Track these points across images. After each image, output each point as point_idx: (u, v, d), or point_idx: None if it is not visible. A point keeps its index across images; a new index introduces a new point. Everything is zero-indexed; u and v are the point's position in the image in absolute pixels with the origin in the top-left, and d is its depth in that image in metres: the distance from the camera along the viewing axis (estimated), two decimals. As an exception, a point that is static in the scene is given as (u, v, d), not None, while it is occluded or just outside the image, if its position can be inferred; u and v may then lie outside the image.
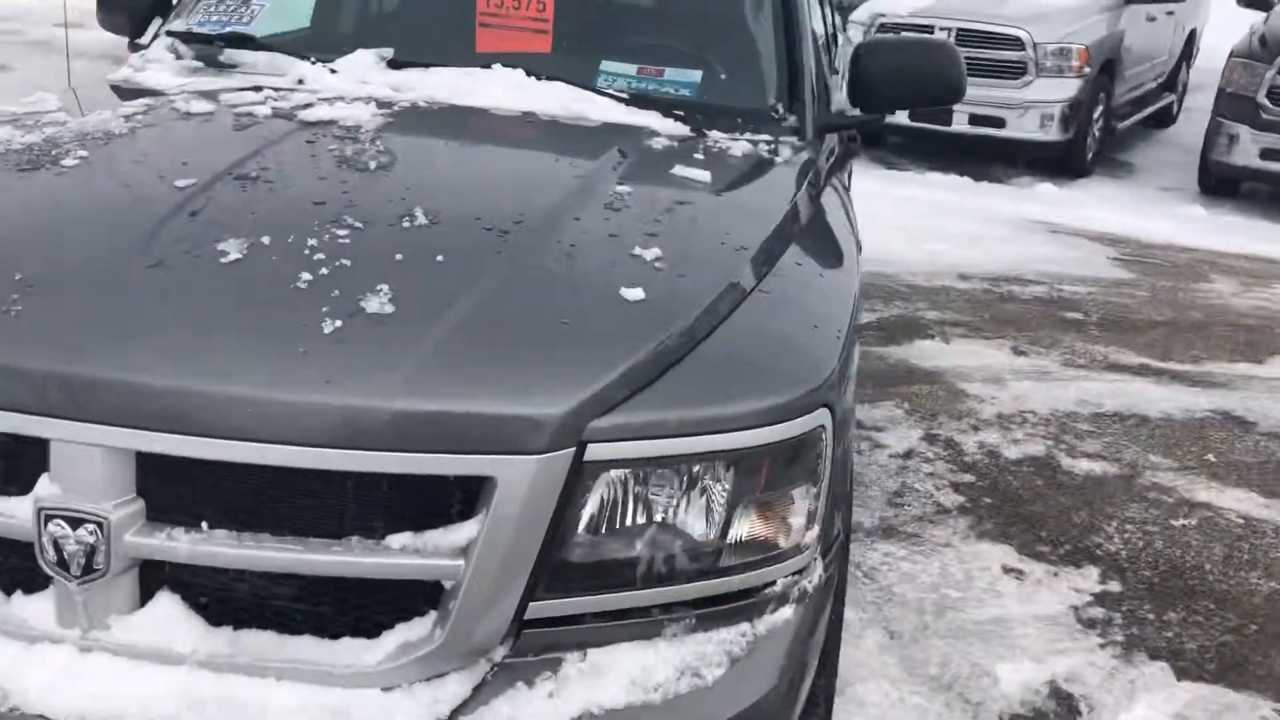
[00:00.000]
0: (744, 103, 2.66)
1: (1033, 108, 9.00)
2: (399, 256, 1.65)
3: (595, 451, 1.51)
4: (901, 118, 9.33)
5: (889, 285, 6.24)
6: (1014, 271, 6.74)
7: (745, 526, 1.64)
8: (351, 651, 1.51)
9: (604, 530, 1.55)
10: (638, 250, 1.77)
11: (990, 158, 9.65)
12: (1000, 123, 9.06)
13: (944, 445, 4.23)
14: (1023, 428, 4.45)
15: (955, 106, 8.95)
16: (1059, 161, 9.42)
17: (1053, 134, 9.08)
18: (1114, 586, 3.35)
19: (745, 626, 1.65)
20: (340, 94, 2.36)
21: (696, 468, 1.58)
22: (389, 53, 2.61)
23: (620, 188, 2.00)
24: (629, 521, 1.56)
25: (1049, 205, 8.57)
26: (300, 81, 2.51)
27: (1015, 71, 9.03)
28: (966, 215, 8.08)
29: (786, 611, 1.69)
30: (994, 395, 4.77)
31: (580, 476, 1.51)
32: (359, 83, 2.48)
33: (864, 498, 3.76)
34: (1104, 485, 4.02)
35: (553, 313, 1.60)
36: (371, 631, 1.53)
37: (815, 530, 1.72)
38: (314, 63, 2.57)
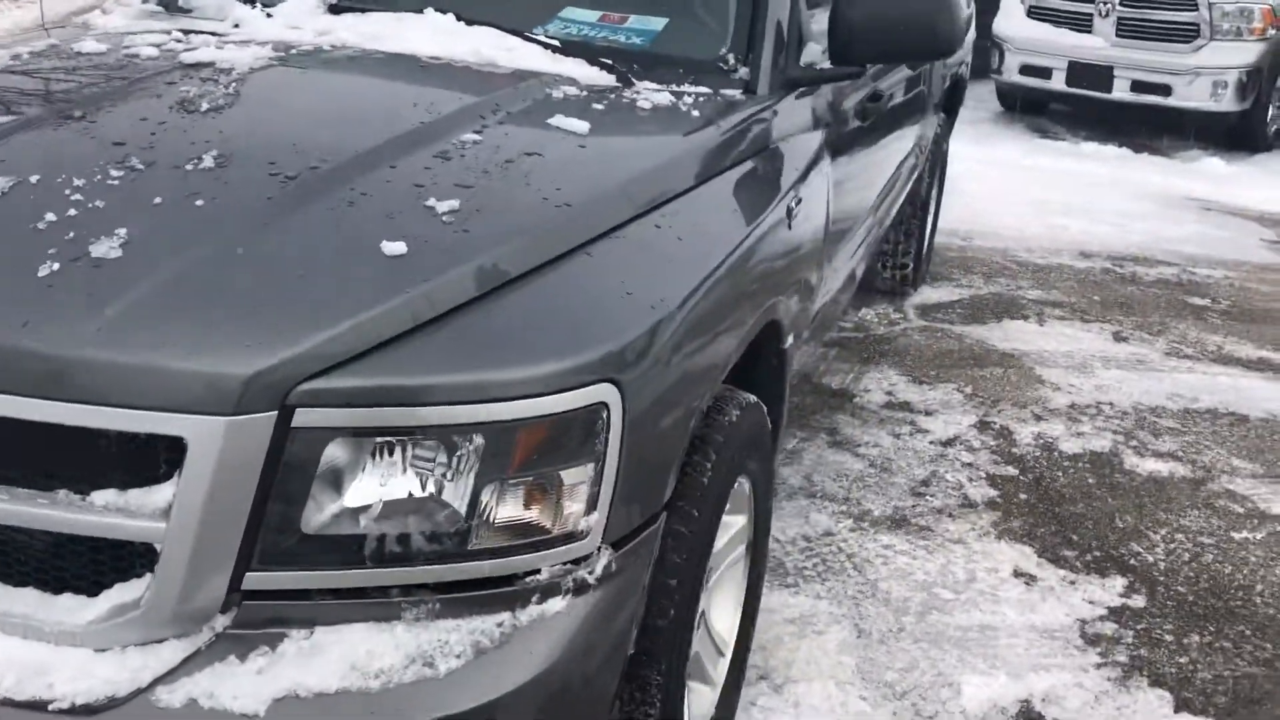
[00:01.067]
0: (693, 53, 2.47)
1: (1203, 74, 8.25)
2: (158, 200, 1.57)
3: (307, 417, 1.40)
4: (1059, 83, 8.74)
5: (996, 261, 5.84)
6: (1144, 251, 6.21)
7: (500, 507, 1.50)
8: (67, 609, 1.46)
9: (328, 502, 1.44)
10: (432, 202, 1.64)
11: (1160, 128, 8.93)
12: (1166, 90, 8.35)
13: (995, 434, 3.91)
14: (1094, 420, 4.08)
15: (1115, 72, 8.32)
16: (1233, 134, 8.63)
17: (1226, 103, 8.31)
18: (1137, 601, 3.02)
19: (505, 616, 1.52)
20: (251, 37, 2.31)
21: (436, 440, 1.45)
22: (325, -5, 2.54)
23: (468, 136, 1.87)
24: (359, 495, 1.45)
25: (1211, 182, 7.86)
26: (236, 25, 2.47)
27: (1186, 34, 8.29)
28: (1114, 189, 7.51)
29: (557, 603, 1.55)
30: (1073, 384, 4.39)
31: (291, 442, 1.41)
32: (288, 27, 2.43)
33: (884, 484, 3.52)
34: (1165, 488, 3.63)
35: (290, 265, 1.50)
36: (93, 590, 1.48)
37: (597, 516, 1.57)
38: (255, 5, 2.53)
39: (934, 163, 4.88)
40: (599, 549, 1.59)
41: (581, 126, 1.98)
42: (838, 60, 2.59)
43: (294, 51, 2.24)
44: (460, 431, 1.45)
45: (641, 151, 1.98)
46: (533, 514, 1.53)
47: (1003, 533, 3.30)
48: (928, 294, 5.30)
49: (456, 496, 1.48)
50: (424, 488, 1.47)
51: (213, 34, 2.34)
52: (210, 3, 2.59)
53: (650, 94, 2.26)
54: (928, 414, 4.05)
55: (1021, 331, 4.90)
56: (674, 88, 2.34)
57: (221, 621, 1.46)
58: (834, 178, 2.78)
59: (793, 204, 2.30)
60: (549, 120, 1.98)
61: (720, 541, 2.27)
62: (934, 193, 4.95)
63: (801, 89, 2.58)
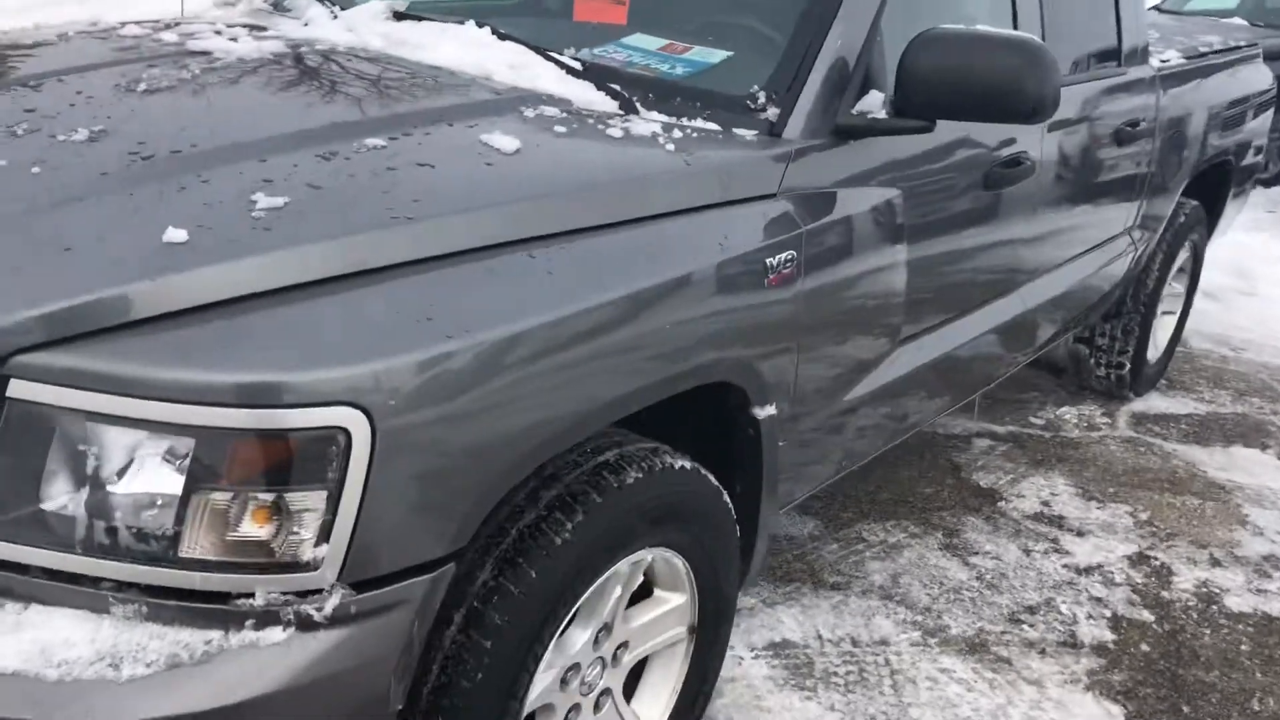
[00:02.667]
0: (729, 88, 2.27)
1: None
2: (1, 163, 1.62)
3: (21, 389, 1.38)
4: None
5: (1260, 379, 5.05)
6: None
7: (214, 518, 1.41)
8: None
9: (37, 478, 1.41)
10: (260, 198, 1.58)
11: None
12: None
13: (1149, 572, 3.35)
14: (1289, 579, 3.40)
15: None
16: None
17: None
18: (1228, 804, 2.47)
19: (215, 635, 1.43)
20: (283, 34, 2.37)
21: (151, 435, 1.39)
22: (400, 4, 2.57)
23: (373, 141, 1.80)
24: (70, 479, 1.41)
25: None
26: (306, 24, 2.55)
27: None
28: None
29: (275, 634, 1.44)
30: (1284, 532, 3.69)
31: (7, 412, 1.39)
32: (343, 29, 2.48)
33: (981, 602, 3.10)
34: (1341, 678, 2.95)
35: (61, 238, 1.48)
36: None
37: (329, 550, 1.44)
38: (334, 7, 2.60)
39: (1170, 252, 4.28)
40: (332, 586, 1.46)
41: (511, 145, 1.86)
42: (903, 113, 2.30)
43: (301, 49, 2.27)
44: (173, 431, 1.38)
45: (557, 178, 1.83)
46: (251, 533, 1.43)
47: (1095, 683, 2.81)
48: (1155, 402, 4.65)
49: (166, 498, 1.40)
50: (134, 483, 1.41)
51: (258, 28, 2.42)
52: (301, 3, 2.69)
53: (640, 124, 2.10)
54: (1079, 534, 3.53)
55: (1250, 462, 4.18)
56: (681, 120, 2.17)
57: None
58: (908, 247, 2.48)
59: (780, 260, 2.06)
60: (482, 136, 1.88)
61: (644, 618, 2.08)
62: (1161, 287, 4.33)
63: (854, 139, 2.31)
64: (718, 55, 2.42)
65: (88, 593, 1.44)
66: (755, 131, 2.18)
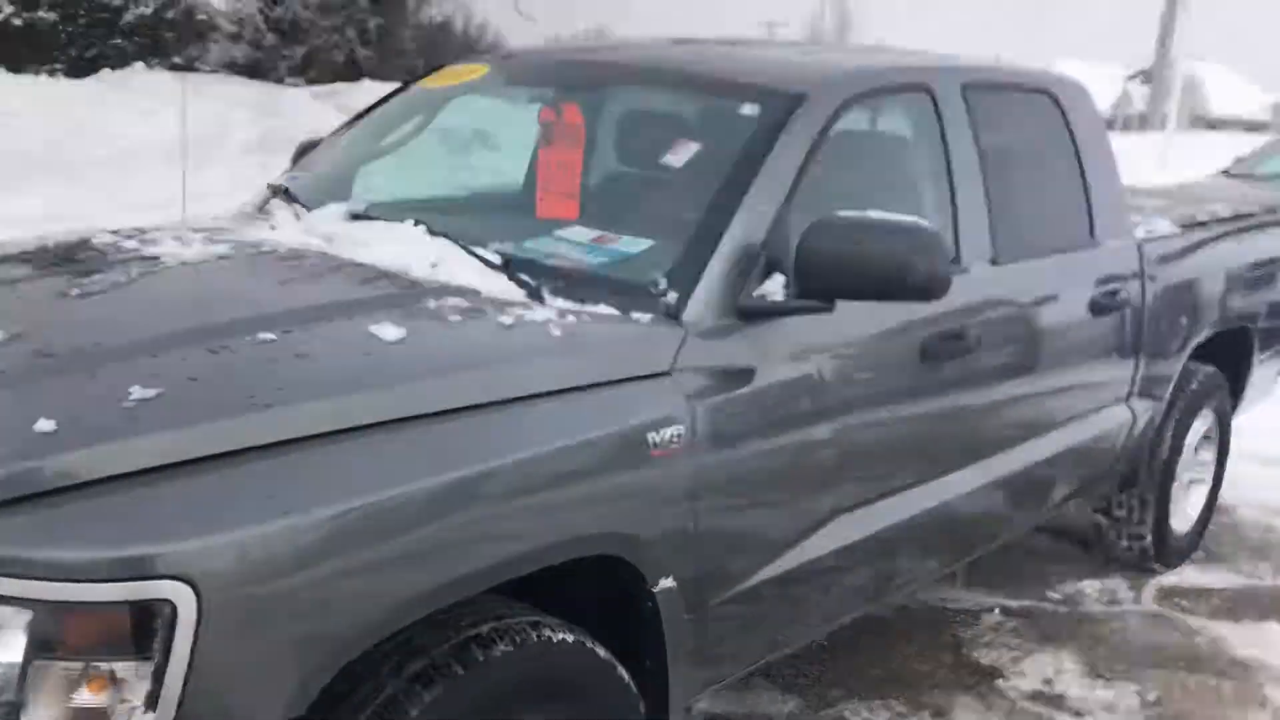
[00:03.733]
0: (638, 275, 2.41)
1: None
2: None
3: None
4: None
5: (1309, 550, 4.83)
6: None
7: (51, 687, 1.53)
8: None
9: None
10: (136, 389, 1.74)
11: None
12: None
13: (1148, 756, 3.20)
14: (1305, 766, 3.21)
15: None
16: None
17: None
18: None
19: None
20: (239, 238, 2.61)
21: None
22: (359, 206, 2.80)
23: (264, 335, 1.97)
24: None
25: None
26: (274, 227, 2.80)
27: None
28: None
29: None
30: (1308, 714, 3.49)
31: None
32: (301, 230, 2.71)
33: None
34: None
35: None
36: None
37: (156, 717, 1.54)
38: (300, 209, 2.85)
39: (1184, 420, 4.20)
40: None
41: (395, 335, 2.02)
42: (803, 295, 2.40)
43: (246, 251, 2.50)
44: (12, 603, 1.52)
45: (431, 363, 1.97)
46: (88, 701, 1.53)
47: None
48: (1188, 575, 4.49)
49: (6, 667, 1.53)
50: (-21, 651, 1.53)
51: (219, 232, 2.67)
52: (277, 208, 2.95)
53: (539, 311, 2.24)
54: (1076, 715, 3.40)
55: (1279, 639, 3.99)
56: (585, 306, 2.31)
57: None
58: (834, 422, 2.54)
59: (667, 436, 2.14)
60: (371, 328, 2.04)
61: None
62: (1178, 455, 4.24)
63: (757, 320, 2.41)
64: (641, 244, 2.57)
65: None
66: (652, 315, 2.30)
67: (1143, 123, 31.06)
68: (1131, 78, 53.13)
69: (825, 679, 3.49)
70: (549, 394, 2.03)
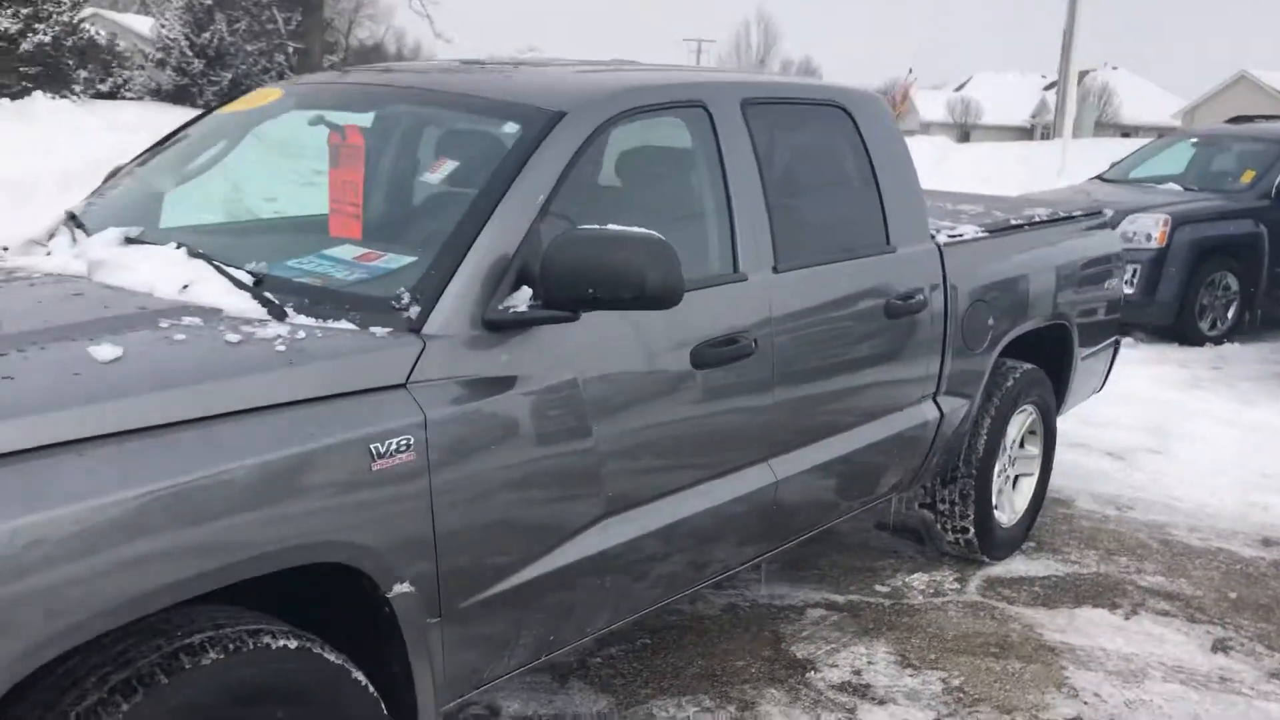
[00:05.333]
0: (382, 290, 2.49)
1: None
2: None
3: None
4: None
5: (1137, 538, 5.02)
6: (1356, 545, 5.06)
7: None
8: None
9: None
10: None
11: None
12: None
13: (939, 739, 3.33)
14: (1089, 742, 3.36)
15: None
16: None
17: None
18: None
19: None
20: (12, 266, 2.66)
21: None
22: (134, 231, 2.86)
23: None
24: None
25: None
26: (49, 253, 2.84)
27: None
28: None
29: None
30: (1101, 694, 3.65)
31: None
32: (72, 255, 2.76)
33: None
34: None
35: None
36: None
37: None
38: (75, 236, 2.89)
39: (1000, 415, 4.36)
40: None
41: (111, 355, 2.08)
42: (550, 305, 2.50)
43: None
44: None
45: (136, 383, 2.03)
46: None
47: None
48: (1015, 565, 4.65)
49: None
50: None
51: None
52: (62, 232, 2.99)
53: (272, 328, 2.31)
54: (880, 703, 3.52)
55: (1092, 624, 4.15)
56: (324, 322, 2.38)
57: None
58: (596, 427, 2.65)
59: (393, 446, 2.22)
60: (90, 349, 2.10)
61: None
62: (996, 450, 4.40)
63: (503, 331, 2.50)
64: (403, 260, 2.65)
65: None
66: (391, 329, 2.38)
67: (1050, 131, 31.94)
68: (1048, 88, 54.47)
69: (641, 677, 3.59)
70: (265, 408, 2.11)
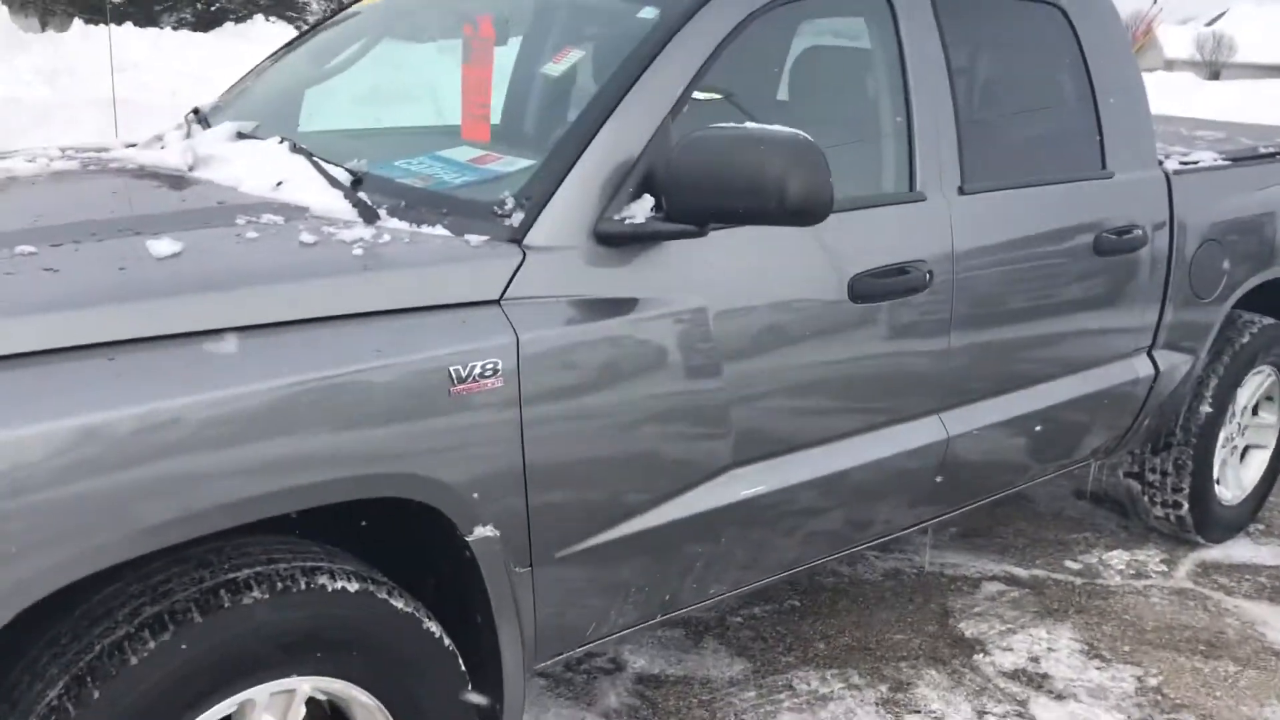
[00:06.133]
0: (486, 195, 2.19)
1: None
2: None
3: None
4: None
5: None
6: None
7: None
8: None
9: None
10: None
11: None
12: None
13: (1126, 747, 2.85)
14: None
15: None
16: None
17: None
18: None
19: None
20: (93, 156, 2.52)
21: None
22: (247, 126, 2.66)
23: (21, 248, 1.84)
24: None
25: None
26: (163, 147, 2.69)
27: None
28: None
29: None
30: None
31: None
32: (180, 151, 2.59)
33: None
34: None
35: None
36: None
37: None
38: (190, 131, 2.73)
39: (1230, 376, 3.74)
40: None
41: (167, 250, 1.86)
42: (674, 216, 2.15)
43: (89, 167, 2.39)
44: None
45: (185, 282, 1.79)
46: None
47: None
48: (1237, 550, 4.03)
49: None
50: None
51: (81, 151, 2.58)
52: (178, 131, 2.85)
53: (356, 230, 2.05)
54: (1058, 698, 3.06)
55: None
56: (417, 227, 2.11)
57: None
58: (728, 364, 2.30)
59: (478, 369, 1.93)
60: (149, 243, 1.89)
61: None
62: (1222, 415, 3.77)
63: (619, 245, 2.16)
64: (519, 164, 2.35)
65: None
66: (489, 237, 2.08)
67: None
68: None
69: (784, 642, 3.24)
70: (328, 319, 1.84)
